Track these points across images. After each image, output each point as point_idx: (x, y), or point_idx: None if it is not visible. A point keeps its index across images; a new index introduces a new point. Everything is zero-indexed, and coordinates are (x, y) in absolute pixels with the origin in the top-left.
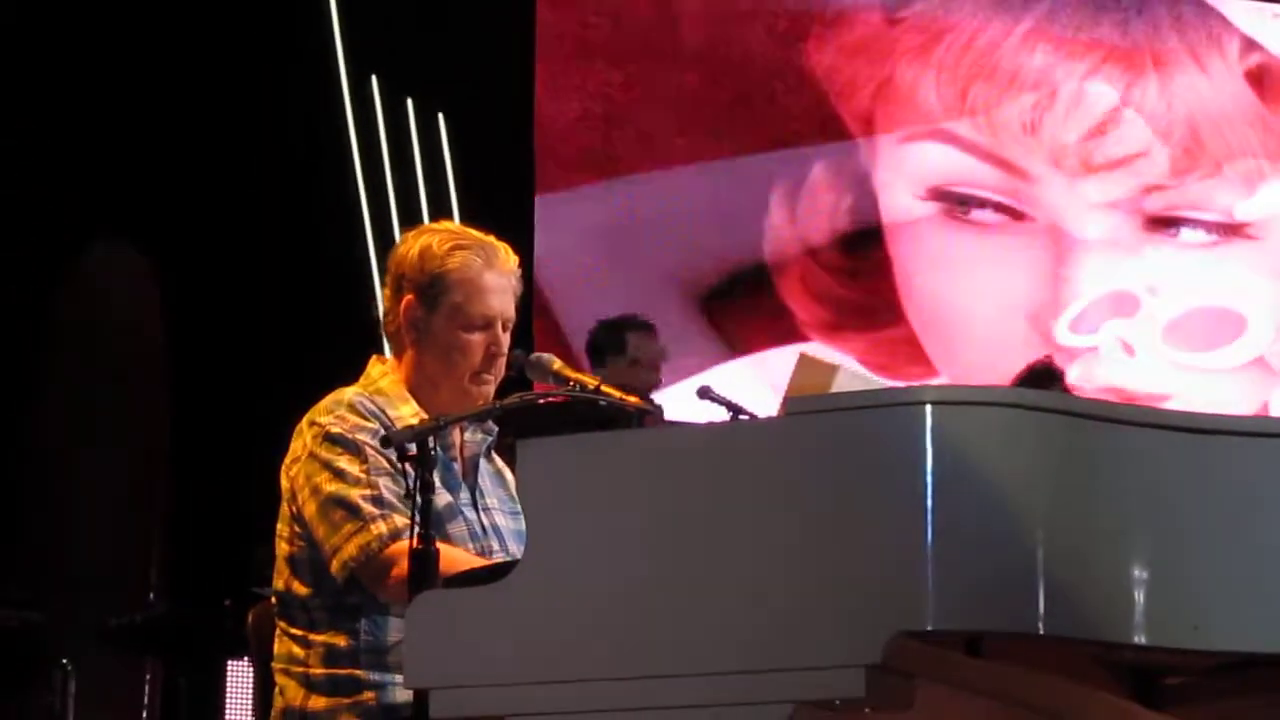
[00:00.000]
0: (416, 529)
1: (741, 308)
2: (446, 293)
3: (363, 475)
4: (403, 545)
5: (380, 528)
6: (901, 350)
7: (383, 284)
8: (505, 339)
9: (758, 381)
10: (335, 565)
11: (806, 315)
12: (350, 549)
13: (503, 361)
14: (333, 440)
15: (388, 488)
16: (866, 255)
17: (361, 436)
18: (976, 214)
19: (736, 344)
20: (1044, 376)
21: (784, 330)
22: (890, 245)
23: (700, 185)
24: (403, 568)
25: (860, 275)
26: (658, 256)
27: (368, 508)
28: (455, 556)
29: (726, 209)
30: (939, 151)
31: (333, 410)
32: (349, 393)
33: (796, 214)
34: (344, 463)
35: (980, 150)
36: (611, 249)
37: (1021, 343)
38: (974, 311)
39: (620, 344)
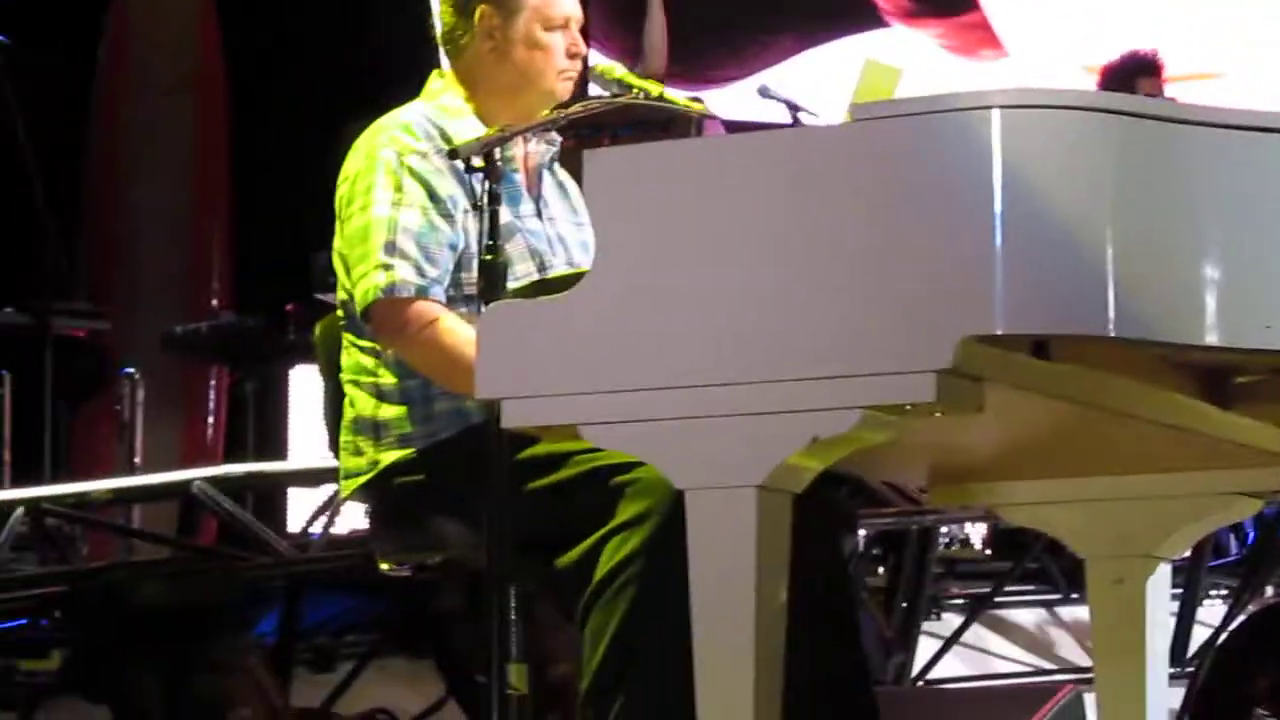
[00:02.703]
0: (484, 240)
1: None
2: None
3: (392, 209)
4: (403, 301)
5: (381, 279)
6: (975, 35)
7: (448, 6)
8: (581, 45)
9: (836, 73)
10: (355, 305)
11: (886, 3)
12: (358, 293)
13: (579, 63)
14: (378, 164)
15: (407, 229)
16: None
17: (411, 160)
18: None
19: (817, 30)
20: (1138, 68)
21: (865, 16)
22: None
23: None
24: (396, 325)
25: None
26: None
27: (379, 255)
28: (462, 339)
29: None
30: None
31: (387, 129)
32: (410, 110)
33: None
34: (380, 191)
35: None
36: None
37: (1087, 27)
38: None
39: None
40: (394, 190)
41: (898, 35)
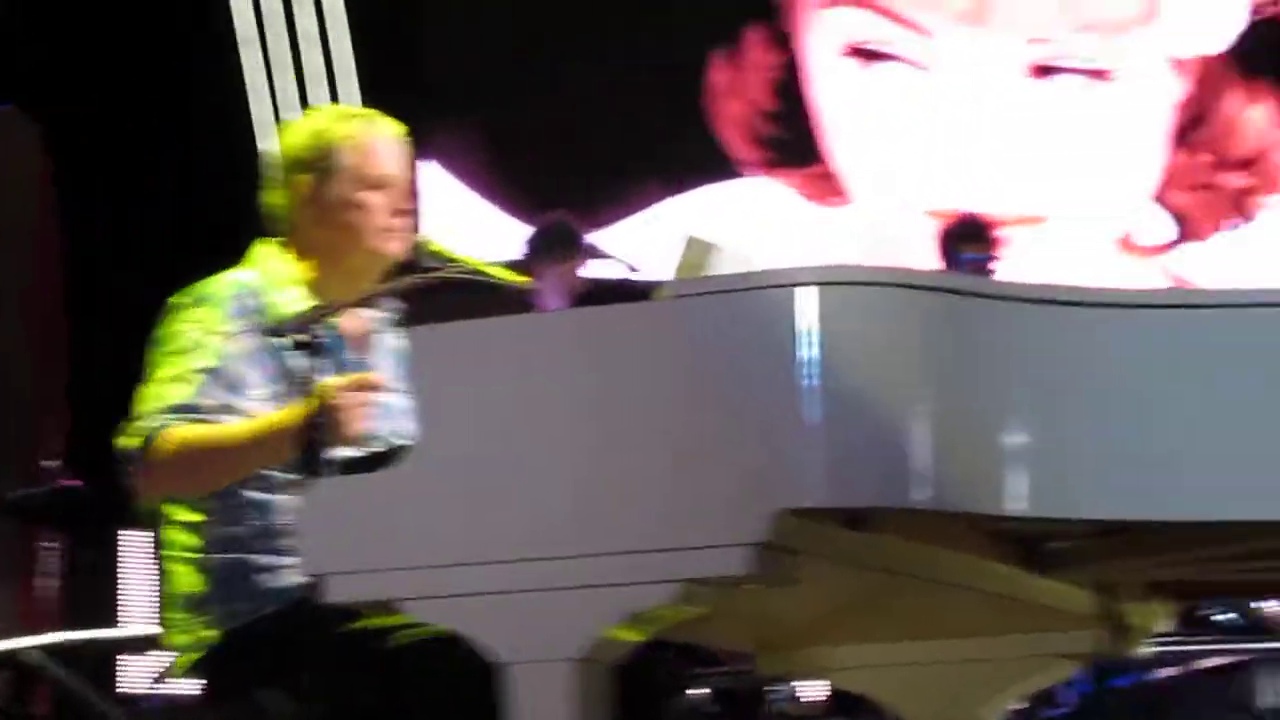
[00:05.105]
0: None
1: (687, 150)
2: (340, 159)
3: (179, 371)
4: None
5: (143, 426)
6: (825, 184)
7: (272, 180)
8: (407, 203)
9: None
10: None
11: (746, 155)
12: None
13: (411, 221)
14: (171, 334)
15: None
16: (796, 104)
17: (196, 333)
18: (887, 66)
19: (681, 182)
20: (964, 234)
21: (725, 169)
22: (816, 95)
23: (630, 61)
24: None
25: (791, 120)
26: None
27: (148, 419)
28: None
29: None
30: (854, 14)
31: (194, 300)
32: (229, 279)
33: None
34: (170, 360)
35: (889, 13)
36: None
37: (932, 180)
38: (891, 153)
39: (574, 248)
40: (184, 356)
41: (760, 184)
